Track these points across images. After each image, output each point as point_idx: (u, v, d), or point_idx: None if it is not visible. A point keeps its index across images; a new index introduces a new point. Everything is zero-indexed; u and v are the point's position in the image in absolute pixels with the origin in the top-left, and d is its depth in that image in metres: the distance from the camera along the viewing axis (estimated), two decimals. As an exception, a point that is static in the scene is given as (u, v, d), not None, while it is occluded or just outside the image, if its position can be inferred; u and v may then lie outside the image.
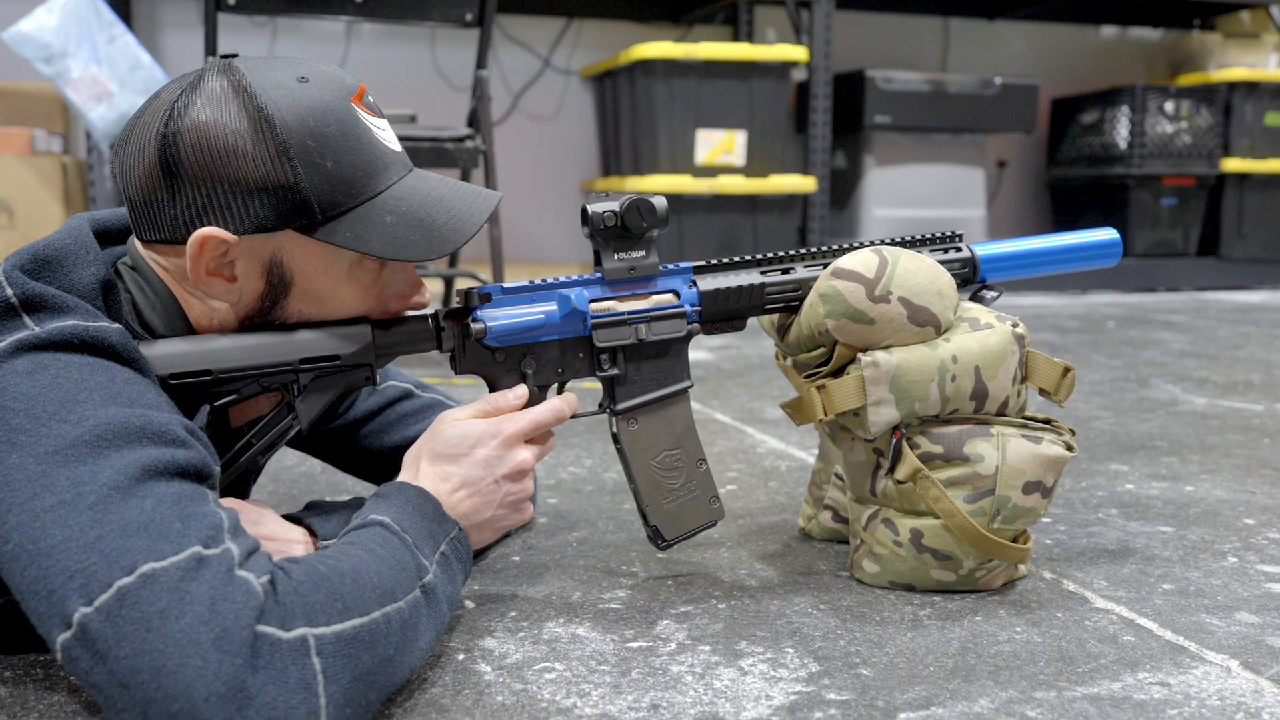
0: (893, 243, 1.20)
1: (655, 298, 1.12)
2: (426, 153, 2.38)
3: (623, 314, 1.10)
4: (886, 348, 1.12)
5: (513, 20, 4.41)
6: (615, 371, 1.11)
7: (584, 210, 1.09)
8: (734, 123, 3.97)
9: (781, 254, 1.18)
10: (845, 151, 4.52)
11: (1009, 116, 4.47)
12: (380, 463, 1.30)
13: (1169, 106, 4.67)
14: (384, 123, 1.03)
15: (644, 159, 3.99)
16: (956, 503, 1.10)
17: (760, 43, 4.61)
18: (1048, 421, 1.16)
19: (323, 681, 0.74)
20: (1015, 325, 1.15)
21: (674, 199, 3.89)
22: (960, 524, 1.10)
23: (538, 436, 1.07)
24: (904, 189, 4.46)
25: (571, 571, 1.21)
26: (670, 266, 1.13)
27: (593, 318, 1.10)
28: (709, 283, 1.14)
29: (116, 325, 0.89)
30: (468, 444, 1.02)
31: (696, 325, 1.14)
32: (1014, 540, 1.14)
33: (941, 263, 1.20)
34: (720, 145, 3.97)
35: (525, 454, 1.04)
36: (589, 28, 4.62)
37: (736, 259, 1.17)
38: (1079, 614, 1.09)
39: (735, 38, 4.62)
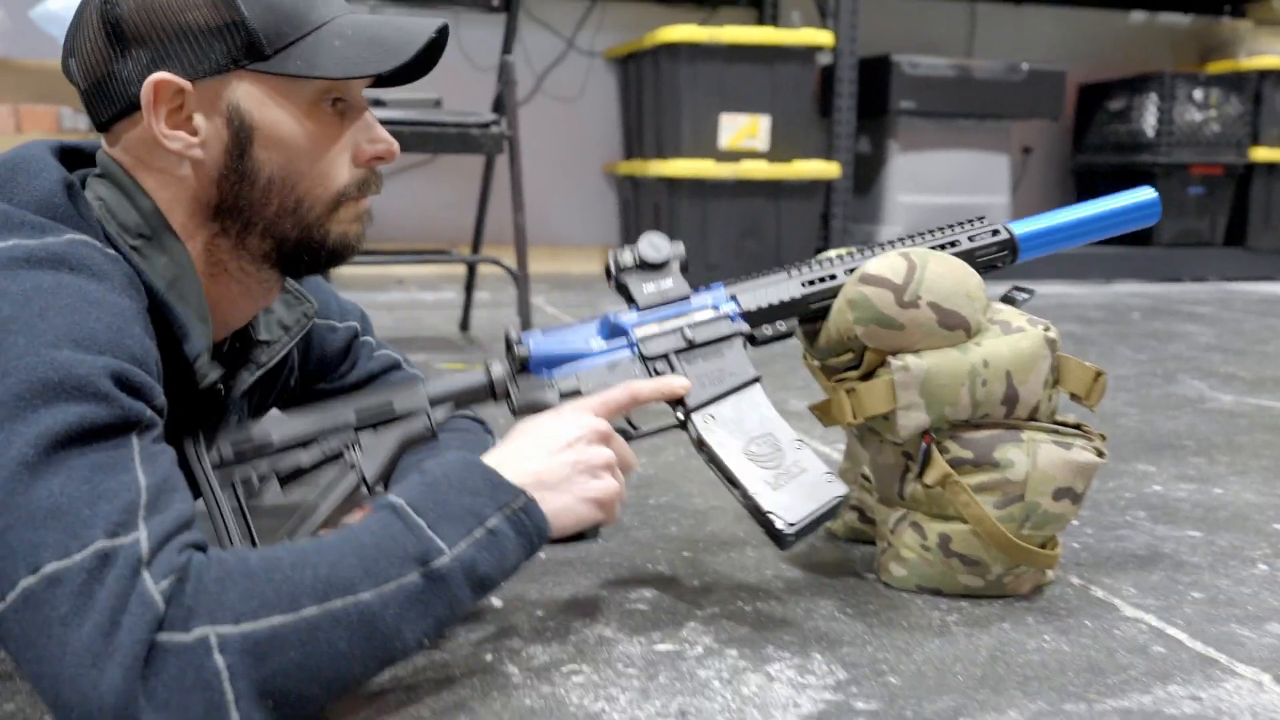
0: (928, 235, 1.20)
1: (693, 314, 1.13)
2: (452, 138, 2.37)
3: (666, 320, 1.12)
4: (917, 351, 1.11)
5: (537, 1, 4.39)
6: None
7: (606, 268, 1.13)
8: (758, 107, 3.94)
9: (813, 262, 1.18)
10: (869, 136, 4.49)
11: (1035, 103, 4.42)
12: None
13: (1198, 94, 4.62)
14: None
15: (667, 142, 3.98)
16: (985, 508, 1.09)
17: (785, 26, 4.58)
18: (1078, 426, 1.16)
19: (228, 677, 0.74)
20: (1047, 329, 1.14)
21: (696, 183, 3.88)
22: (989, 530, 1.09)
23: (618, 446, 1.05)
24: (928, 175, 4.43)
25: (598, 569, 1.21)
26: (702, 288, 1.15)
27: (636, 325, 1.11)
28: (747, 295, 1.15)
29: (69, 235, 0.88)
30: (531, 423, 1.02)
31: (745, 326, 1.14)
32: (1042, 546, 1.13)
33: (980, 248, 1.20)
34: (744, 130, 3.95)
35: (596, 423, 1.02)
36: (613, 9, 4.59)
37: (769, 271, 1.17)
38: (1108, 622, 1.08)
39: (760, 21, 4.59)
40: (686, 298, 1.13)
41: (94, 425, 0.79)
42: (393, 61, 0.97)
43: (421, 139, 2.32)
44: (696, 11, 4.66)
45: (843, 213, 4.13)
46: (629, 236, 4.55)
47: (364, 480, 1.04)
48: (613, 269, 1.13)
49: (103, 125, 0.98)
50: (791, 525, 1.00)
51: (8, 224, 0.86)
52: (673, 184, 3.92)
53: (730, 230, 3.96)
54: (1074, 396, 1.16)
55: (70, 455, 0.77)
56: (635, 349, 1.10)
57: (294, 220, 0.99)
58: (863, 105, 4.27)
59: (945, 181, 4.43)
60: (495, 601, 1.11)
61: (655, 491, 1.51)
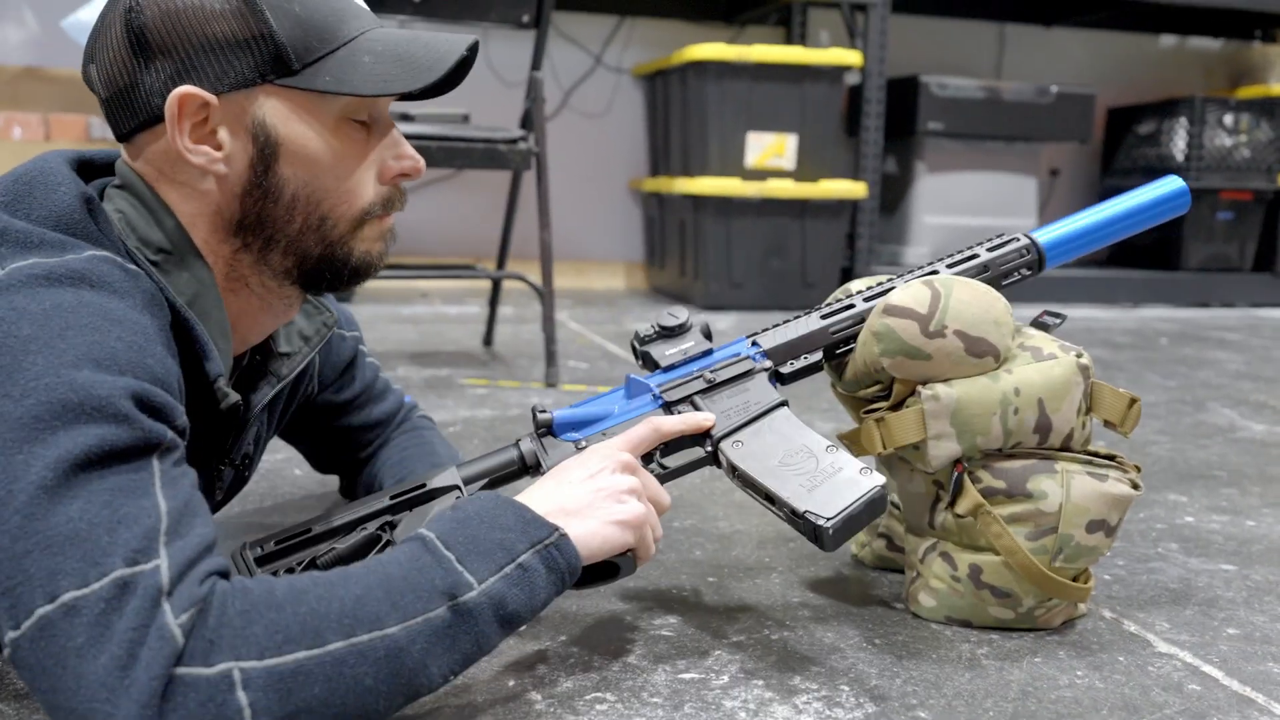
0: (953, 262, 1.19)
1: (715, 363, 1.13)
2: (479, 154, 2.37)
3: (685, 365, 1.13)
4: (946, 381, 1.09)
5: (565, 17, 4.40)
6: None
7: (633, 346, 1.16)
8: (785, 126, 3.93)
9: (833, 299, 1.19)
10: (896, 157, 4.47)
11: (1064, 125, 4.40)
12: (350, 441, 1.34)
13: (1228, 119, 4.58)
14: None
15: (693, 160, 3.97)
16: (1018, 540, 1.08)
17: (813, 45, 4.57)
18: (1112, 457, 1.14)
19: (249, 714, 0.72)
20: (1080, 356, 1.13)
21: (722, 201, 3.87)
22: (1021, 562, 1.08)
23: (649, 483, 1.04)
24: (955, 196, 4.40)
25: (622, 593, 1.20)
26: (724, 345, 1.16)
27: (659, 375, 1.12)
28: (767, 336, 1.16)
29: (89, 252, 0.86)
30: (558, 466, 1.03)
31: (768, 362, 1.13)
32: (1075, 579, 1.11)
33: (1003, 259, 1.19)
34: (771, 148, 3.94)
35: (620, 455, 1.01)
36: (641, 26, 4.60)
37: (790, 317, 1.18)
38: (1141, 658, 1.06)
39: (788, 40, 4.58)
40: (709, 352, 1.13)
41: (114, 448, 0.77)
42: (423, 80, 0.96)
43: (449, 154, 2.32)
44: (724, 29, 4.66)
45: (869, 233, 4.11)
46: (653, 253, 4.54)
47: None
48: (636, 344, 1.15)
49: (123, 136, 0.96)
50: (829, 519, 0.96)
51: (27, 241, 0.85)
52: (698, 202, 3.91)
53: (755, 249, 3.95)
54: (1108, 424, 1.15)
55: (90, 479, 0.75)
56: (659, 400, 1.10)
57: (317, 237, 0.98)
58: (890, 126, 4.26)
59: (972, 203, 4.41)
60: (518, 624, 1.10)
61: (680, 515, 1.50)
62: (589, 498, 0.97)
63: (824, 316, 1.16)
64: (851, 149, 4.23)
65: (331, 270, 1.00)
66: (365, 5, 1.01)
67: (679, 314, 1.15)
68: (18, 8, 4.00)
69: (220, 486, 1.11)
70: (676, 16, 4.60)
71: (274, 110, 0.94)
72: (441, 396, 2.24)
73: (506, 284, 2.99)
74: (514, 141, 2.40)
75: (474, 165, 2.41)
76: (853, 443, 1.17)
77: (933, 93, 4.23)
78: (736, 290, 3.96)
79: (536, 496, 0.96)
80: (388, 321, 3.41)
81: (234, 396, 0.97)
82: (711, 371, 1.11)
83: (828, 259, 4.02)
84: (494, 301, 2.95)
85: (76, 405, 0.77)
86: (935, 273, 1.18)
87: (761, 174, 3.93)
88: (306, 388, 1.25)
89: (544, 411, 1.10)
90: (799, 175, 3.95)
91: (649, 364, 1.14)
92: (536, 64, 2.51)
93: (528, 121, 2.50)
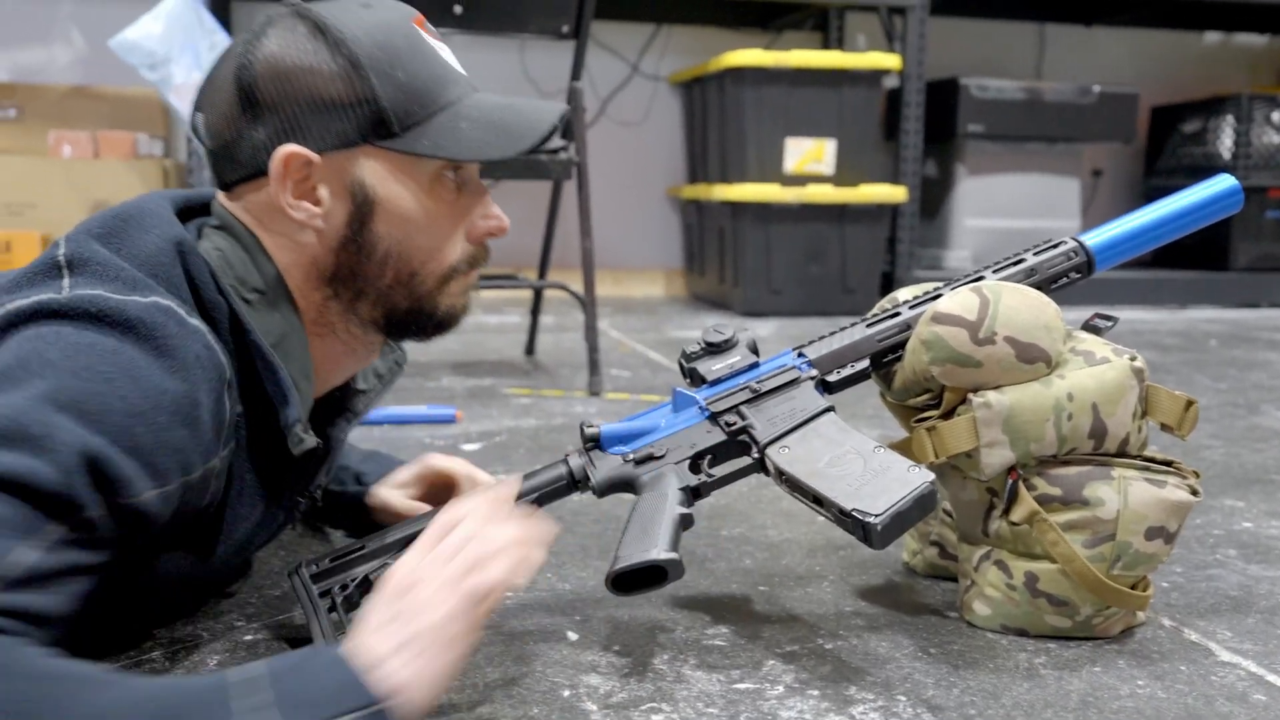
0: (1000, 267, 1.18)
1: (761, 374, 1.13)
2: (520, 164, 2.38)
3: (732, 379, 1.13)
4: (997, 387, 1.08)
5: (602, 26, 4.40)
6: (745, 423, 1.08)
7: (680, 364, 1.15)
8: (823, 130, 3.92)
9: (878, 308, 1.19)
10: (936, 160, 4.45)
11: (1107, 125, 4.35)
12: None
13: (1276, 116, 4.51)
14: (445, 47, 1.04)
15: (731, 166, 3.97)
16: (1075, 547, 1.06)
17: (851, 49, 4.55)
18: (1169, 463, 1.12)
19: None
20: (1134, 359, 1.11)
21: (761, 208, 3.86)
22: (1078, 569, 1.06)
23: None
24: (996, 199, 4.37)
25: (673, 602, 1.19)
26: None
27: (705, 389, 1.12)
28: (815, 348, 1.15)
29: (154, 299, 0.87)
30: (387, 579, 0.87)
31: (814, 371, 1.12)
32: (1134, 587, 1.10)
33: (1051, 263, 1.18)
34: (809, 153, 3.92)
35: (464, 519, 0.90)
36: (678, 34, 4.60)
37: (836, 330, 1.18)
38: (1204, 667, 1.04)
39: (825, 44, 4.57)
40: (755, 365, 1.13)
41: (26, 483, 0.75)
42: (516, 148, 0.99)
43: (490, 165, 2.33)
44: (761, 35, 4.66)
45: (909, 237, 4.08)
46: (692, 260, 4.54)
47: None
48: (683, 361, 1.15)
49: (226, 186, 1.00)
50: (877, 516, 0.94)
51: (104, 273, 0.87)
52: (737, 208, 3.90)
53: (794, 254, 3.93)
54: (1164, 427, 1.13)
55: None
56: (705, 412, 1.10)
57: (406, 292, 1.02)
58: (930, 128, 4.23)
59: (1014, 205, 4.37)
60: (570, 634, 1.10)
61: (728, 523, 1.49)
62: (435, 609, 0.81)
63: (869, 325, 1.15)
64: (891, 152, 4.21)
65: (417, 323, 1.05)
66: (462, 70, 1.04)
67: (725, 329, 1.15)
68: (66, 27, 4.06)
69: (296, 516, 1.14)
70: (713, 23, 4.60)
71: (373, 170, 0.98)
72: (485, 406, 2.25)
73: (547, 293, 3.00)
74: (555, 152, 2.40)
75: (515, 176, 2.42)
76: (904, 452, 1.16)
77: (973, 95, 4.20)
78: (776, 296, 3.95)
79: (373, 629, 0.81)
80: (430, 332, 3.43)
81: (310, 441, 0.99)
82: (758, 382, 1.11)
83: (868, 264, 4.00)
84: (535, 310, 2.96)
85: (31, 438, 0.76)
86: (982, 279, 1.17)
87: (800, 179, 3.91)
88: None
89: (592, 426, 1.10)
90: (838, 180, 3.94)
91: (696, 380, 1.14)
92: (576, 74, 2.52)
93: (568, 131, 2.50)
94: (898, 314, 1.15)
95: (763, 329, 3.56)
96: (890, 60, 3.92)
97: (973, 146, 4.31)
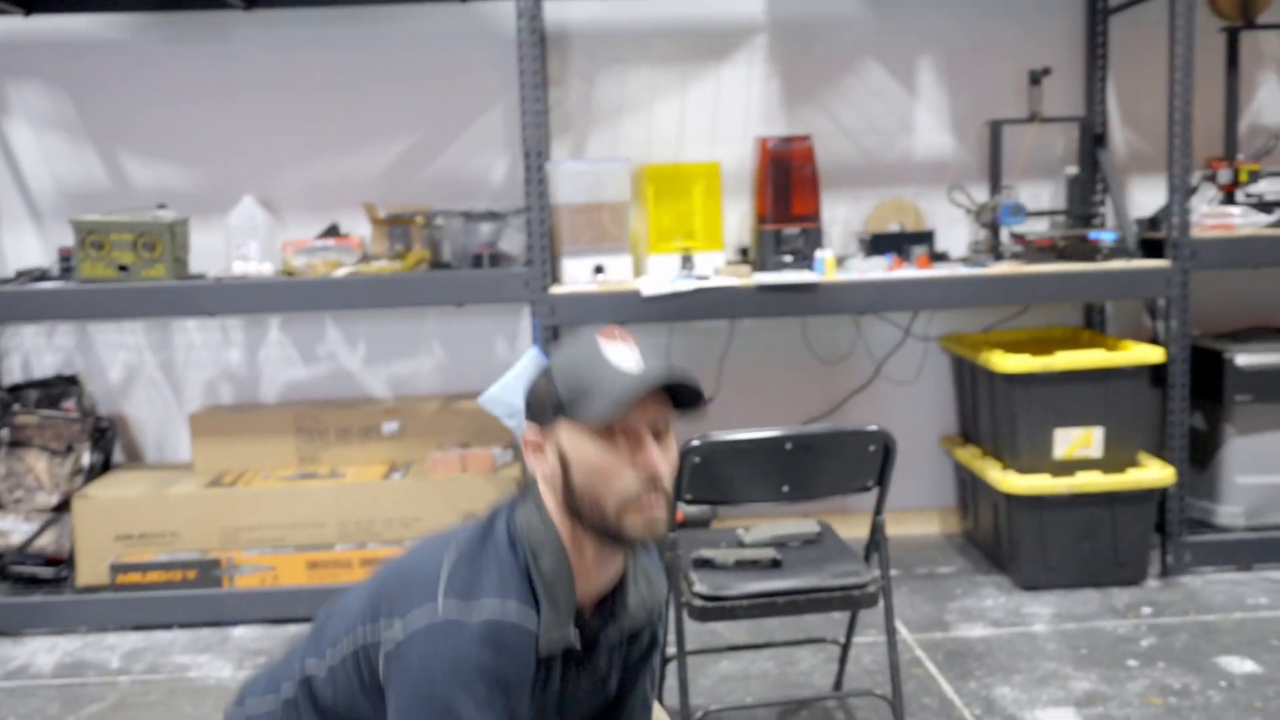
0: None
1: None
2: (837, 600, 2.90)
3: None
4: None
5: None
6: None
7: None
8: (1091, 420, 4.24)
9: None
10: (1204, 413, 4.62)
11: (1382, 380, 4.43)
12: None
13: None
14: (628, 348, 1.59)
15: (1003, 448, 4.34)
16: None
17: (1114, 333, 4.81)
18: None
19: None
20: None
21: (1034, 499, 4.22)
22: None
23: None
24: (1269, 456, 4.51)
25: None
26: None
27: None
28: None
29: (502, 618, 1.53)
30: None
31: None
32: None
33: None
34: (1078, 440, 4.26)
35: None
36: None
37: None
38: None
39: (1088, 322, 4.86)
40: None
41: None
42: (616, 412, 1.53)
43: (808, 604, 2.87)
44: (1018, 316, 4.94)
45: (1178, 519, 4.32)
46: (966, 508, 4.90)
47: None
48: None
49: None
50: None
51: (466, 591, 1.54)
52: (1010, 497, 4.28)
53: (1067, 535, 4.25)
54: None
55: None
56: None
57: (598, 518, 1.57)
58: (1196, 389, 4.41)
59: (1286, 462, 4.50)
60: None
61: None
62: None
63: None
64: (1157, 424, 4.46)
65: (615, 540, 1.59)
66: (636, 366, 1.57)
67: None
68: (428, 343, 4.91)
69: (577, 696, 1.69)
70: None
71: (565, 436, 1.59)
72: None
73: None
74: (864, 585, 2.92)
75: (827, 609, 2.94)
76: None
77: (1238, 366, 4.40)
78: (1050, 572, 4.29)
79: None
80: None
81: (555, 683, 1.61)
82: None
83: (1138, 538, 4.29)
84: (846, 645, 3.45)
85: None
86: None
87: (1070, 466, 4.25)
88: (649, 645, 1.81)
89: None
90: (1105, 465, 4.24)
91: None
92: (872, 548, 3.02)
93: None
94: None
95: (1042, 608, 3.92)
96: (1154, 354, 4.20)
97: (1241, 410, 4.49)
